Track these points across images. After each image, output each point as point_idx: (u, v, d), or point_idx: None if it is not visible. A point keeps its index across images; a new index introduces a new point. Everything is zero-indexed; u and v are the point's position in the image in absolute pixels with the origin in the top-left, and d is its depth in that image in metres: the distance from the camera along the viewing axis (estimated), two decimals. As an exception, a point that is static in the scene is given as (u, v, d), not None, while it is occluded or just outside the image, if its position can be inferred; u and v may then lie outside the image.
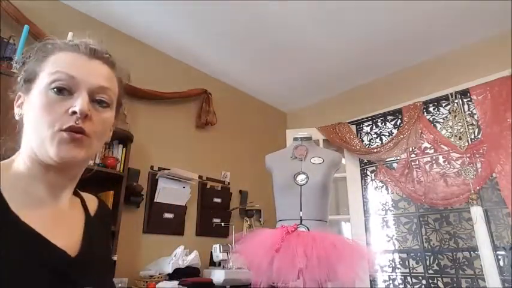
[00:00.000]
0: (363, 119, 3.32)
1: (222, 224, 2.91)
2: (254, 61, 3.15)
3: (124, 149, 2.29)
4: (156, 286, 2.00)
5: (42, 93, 0.55)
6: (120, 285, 1.86)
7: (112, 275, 0.79)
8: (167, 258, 2.31)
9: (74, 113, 0.54)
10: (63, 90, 0.55)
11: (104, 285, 0.59)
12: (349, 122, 3.31)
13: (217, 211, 2.99)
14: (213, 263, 2.56)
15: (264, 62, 3.15)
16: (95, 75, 0.59)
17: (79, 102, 0.55)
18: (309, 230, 1.65)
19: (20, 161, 0.58)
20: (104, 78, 0.60)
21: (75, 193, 0.67)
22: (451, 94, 2.71)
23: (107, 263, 0.71)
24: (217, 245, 2.48)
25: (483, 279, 2.30)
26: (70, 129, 0.54)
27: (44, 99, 0.55)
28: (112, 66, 0.63)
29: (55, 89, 0.55)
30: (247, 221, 3.23)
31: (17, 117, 0.60)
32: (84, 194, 0.70)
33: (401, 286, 2.78)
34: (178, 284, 1.98)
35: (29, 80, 0.58)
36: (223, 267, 2.41)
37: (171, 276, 2.20)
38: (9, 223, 0.51)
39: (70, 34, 1.75)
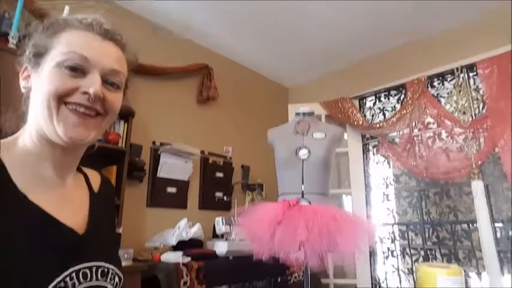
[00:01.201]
0: (366, 94, 3.28)
1: (225, 198, 2.95)
2: (256, 35, 3.07)
3: (125, 125, 2.29)
4: (161, 257, 2.06)
5: (54, 70, 0.55)
6: (126, 256, 1.92)
7: (117, 249, 0.81)
8: (171, 230, 2.36)
9: (86, 93, 0.54)
10: (76, 69, 0.55)
11: (111, 260, 0.61)
12: (352, 97, 3.27)
13: (220, 185, 3.03)
14: (215, 236, 2.62)
15: (266, 36, 3.08)
16: (108, 58, 0.58)
17: (93, 84, 0.55)
18: (310, 203, 1.67)
19: (26, 138, 0.57)
20: (116, 61, 0.60)
21: (78, 169, 0.68)
22: (457, 68, 2.66)
23: (112, 238, 0.72)
24: (220, 218, 2.52)
25: (480, 250, 2.36)
26: (81, 106, 0.54)
27: (55, 76, 0.54)
28: (123, 48, 0.63)
29: (68, 67, 0.54)
30: (249, 195, 3.27)
31: (23, 90, 0.60)
32: (87, 170, 0.71)
33: (399, 257, 2.85)
34: (183, 255, 2.04)
35: (39, 55, 0.57)
36: (226, 239, 2.47)
37: (175, 248, 2.26)
38: (17, 203, 0.52)
39: (66, 8, 1.70)
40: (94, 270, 0.56)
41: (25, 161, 0.56)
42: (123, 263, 1.74)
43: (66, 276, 0.51)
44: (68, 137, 0.54)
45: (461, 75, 2.65)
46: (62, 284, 0.50)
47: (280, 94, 4.05)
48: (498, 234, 2.35)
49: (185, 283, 1.85)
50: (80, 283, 0.53)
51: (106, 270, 0.59)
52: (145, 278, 1.85)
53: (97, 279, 0.56)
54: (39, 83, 0.56)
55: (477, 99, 2.57)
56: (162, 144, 2.69)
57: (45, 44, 0.57)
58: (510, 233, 2.30)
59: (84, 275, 0.54)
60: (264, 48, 3.30)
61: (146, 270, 1.89)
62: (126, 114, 2.28)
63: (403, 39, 3.08)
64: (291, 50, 3.33)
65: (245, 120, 3.50)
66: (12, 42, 1.69)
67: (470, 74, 2.66)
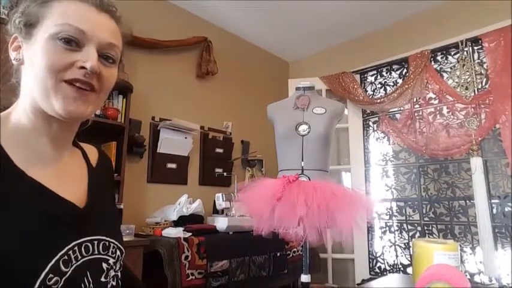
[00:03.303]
0: (367, 68, 3.21)
1: (224, 173, 2.96)
2: (256, 8, 2.97)
3: (124, 100, 2.26)
4: (162, 232, 2.09)
5: (48, 43, 0.52)
6: (128, 231, 1.95)
7: (119, 224, 0.82)
8: (172, 206, 2.38)
9: (83, 68, 0.53)
10: (72, 42, 0.53)
11: (112, 234, 0.62)
12: (353, 72, 3.22)
13: (220, 161, 3.03)
14: (216, 211, 2.65)
15: (267, 9, 2.98)
16: (104, 31, 0.56)
17: (90, 59, 0.53)
18: (310, 179, 1.67)
19: (20, 113, 0.56)
20: (112, 35, 0.58)
21: (75, 144, 0.67)
22: (461, 42, 2.59)
23: (113, 212, 0.73)
24: (220, 194, 2.55)
25: (475, 226, 2.39)
26: (77, 81, 0.53)
27: (50, 49, 0.52)
28: (118, 21, 0.61)
29: (63, 40, 0.52)
30: (249, 171, 3.28)
31: (14, 62, 0.57)
32: (84, 145, 0.70)
33: (397, 232, 2.90)
34: (183, 231, 2.07)
35: (30, 25, 0.54)
36: (226, 215, 2.50)
37: (176, 223, 2.29)
38: (15, 178, 0.51)
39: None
40: (96, 243, 0.57)
41: (20, 137, 0.55)
42: (125, 238, 1.77)
43: (69, 250, 0.52)
44: (65, 112, 0.53)
45: (466, 48, 2.59)
46: (66, 258, 0.51)
47: (281, 69, 3.98)
48: (494, 210, 2.38)
49: (186, 257, 1.89)
50: (82, 256, 0.54)
51: (107, 243, 0.59)
52: (147, 253, 1.89)
53: (99, 252, 0.57)
54: (32, 56, 0.54)
55: (481, 73, 2.52)
56: (161, 119, 2.66)
57: (37, 13, 0.54)
58: (506, 209, 2.33)
59: (86, 249, 0.55)
60: (265, 21, 3.21)
61: (148, 245, 1.92)
62: (125, 89, 2.24)
63: (407, 12, 2.99)
64: (292, 23, 3.24)
65: (245, 95, 3.46)
66: (3, 12, 1.63)
67: (475, 48, 2.60)
